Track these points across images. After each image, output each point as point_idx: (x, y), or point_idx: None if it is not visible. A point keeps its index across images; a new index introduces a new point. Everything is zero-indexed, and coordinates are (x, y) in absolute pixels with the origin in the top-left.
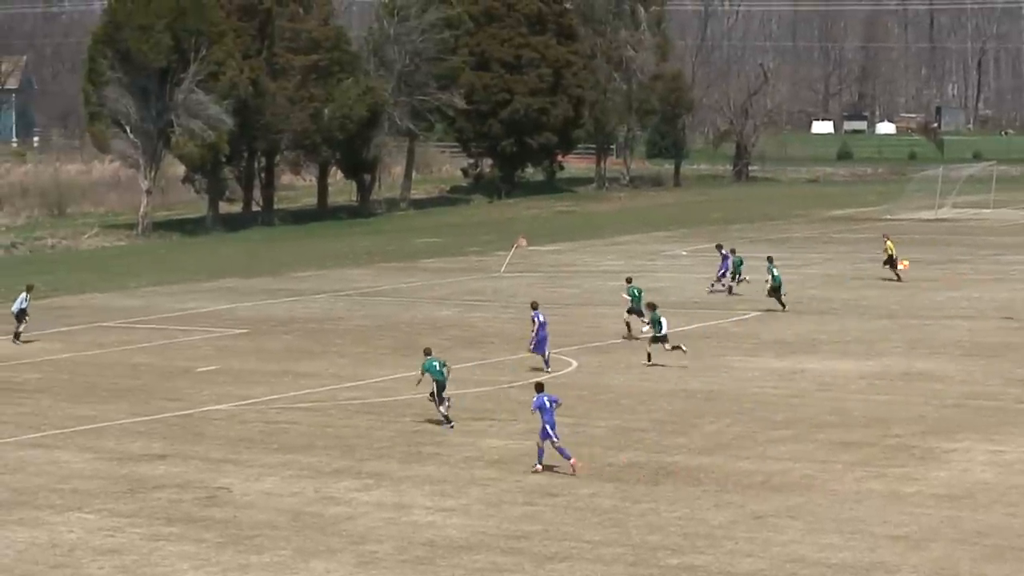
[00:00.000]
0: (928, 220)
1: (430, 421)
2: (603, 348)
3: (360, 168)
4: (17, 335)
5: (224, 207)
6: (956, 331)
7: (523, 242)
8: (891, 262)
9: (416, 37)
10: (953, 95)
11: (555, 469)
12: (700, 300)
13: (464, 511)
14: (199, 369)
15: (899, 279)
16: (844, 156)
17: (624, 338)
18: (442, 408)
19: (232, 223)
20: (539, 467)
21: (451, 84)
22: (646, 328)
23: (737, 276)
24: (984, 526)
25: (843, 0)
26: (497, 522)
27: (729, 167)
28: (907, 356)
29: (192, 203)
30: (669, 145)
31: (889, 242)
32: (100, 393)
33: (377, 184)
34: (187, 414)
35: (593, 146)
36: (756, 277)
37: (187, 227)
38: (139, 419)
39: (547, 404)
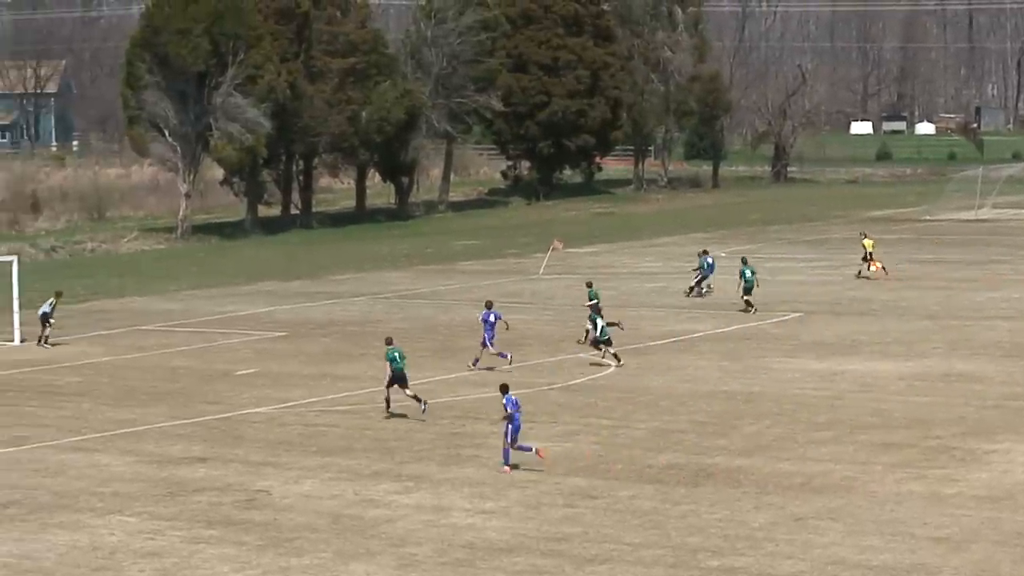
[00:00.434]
0: (968, 221)
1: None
2: (641, 350)
3: (398, 171)
4: (43, 339)
5: (262, 210)
6: (996, 332)
7: (559, 245)
8: (867, 260)
9: (453, 39)
10: (992, 95)
11: (596, 470)
12: (739, 302)
13: (504, 513)
14: (238, 372)
15: (862, 276)
16: (883, 157)
17: (579, 343)
18: (387, 391)
19: (270, 226)
20: (507, 468)
21: (488, 86)
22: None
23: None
24: None
25: (881, 0)
26: (537, 524)
27: (767, 168)
28: (947, 357)
29: (230, 206)
30: (707, 146)
31: (867, 240)
32: (140, 396)
33: (415, 187)
34: (226, 417)
35: (631, 148)
36: (792, 278)
37: (226, 230)
38: (179, 422)
39: (513, 408)
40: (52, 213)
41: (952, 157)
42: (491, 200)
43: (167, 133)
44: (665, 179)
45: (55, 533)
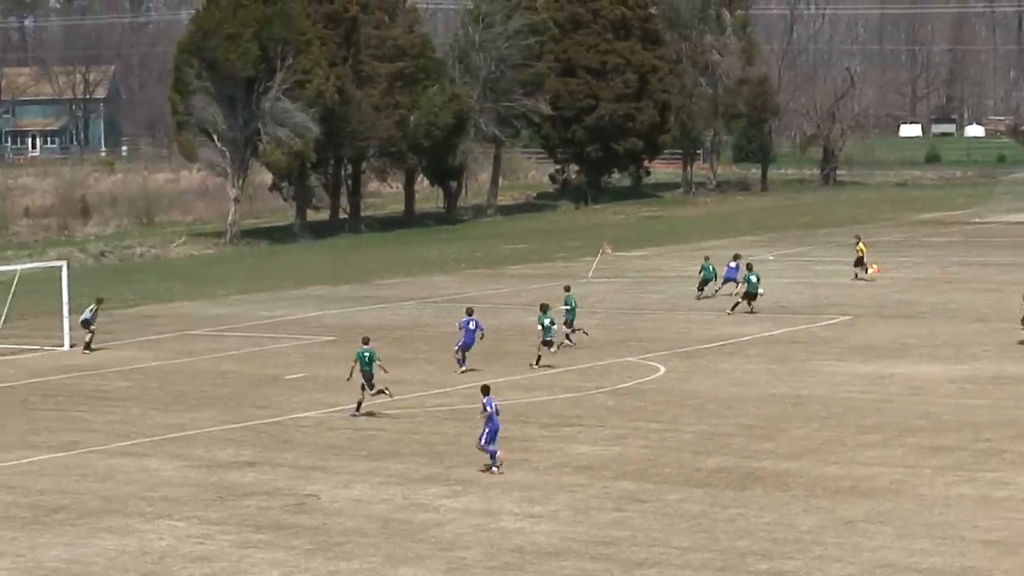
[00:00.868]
0: (1018, 223)
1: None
2: (690, 353)
3: (446, 175)
4: (86, 345)
5: (311, 214)
6: None
7: (608, 248)
8: (860, 263)
9: (501, 44)
10: None
11: (644, 474)
12: (787, 304)
13: (552, 517)
14: (287, 376)
15: (861, 279)
16: (932, 159)
17: (560, 346)
18: (369, 392)
19: (319, 230)
20: (495, 469)
21: (536, 90)
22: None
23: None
24: None
25: (930, 2)
26: (585, 528)
27: (816, 171)
28: (997, 360)
29: (279, 211)
30: (756, 149)
31: (861, 244)
32: (189, 401)
33: (463, 191)
34: (276, 421)
35: (679, 151)
36: (840, 281)
37: (275, 235)
38: (228, 427)
39: (492, 409)
40: (101, 218)
41: (1001, 159)
42: (539, 204)
43: (216, 138)
44: (714, 182)
45: (104, 538)
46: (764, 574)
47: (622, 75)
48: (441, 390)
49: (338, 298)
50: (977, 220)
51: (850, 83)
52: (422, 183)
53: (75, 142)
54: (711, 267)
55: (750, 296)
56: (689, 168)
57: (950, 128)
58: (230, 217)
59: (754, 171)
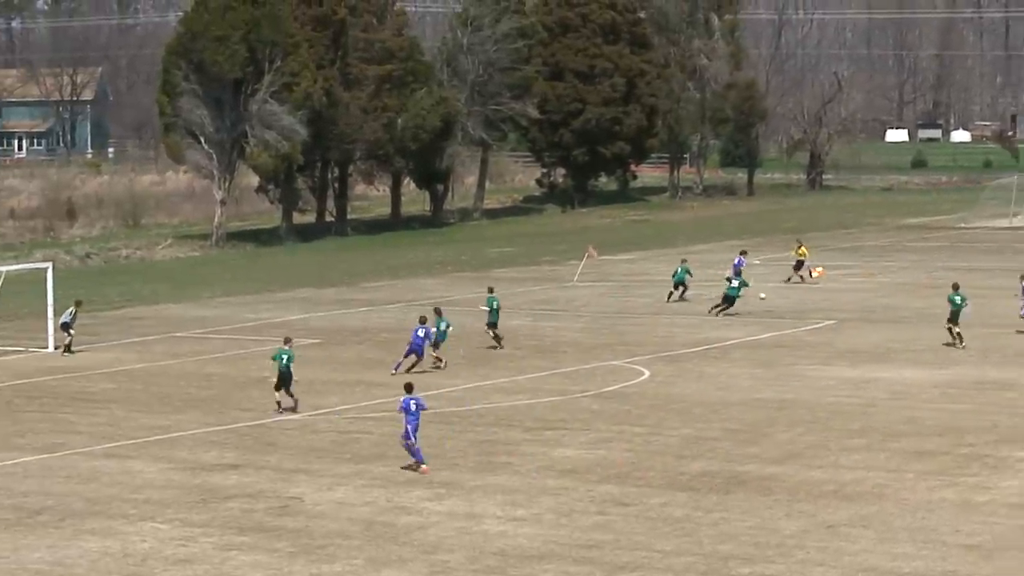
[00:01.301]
0: (1003, 228)
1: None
2: (675, 357)
3: (433, 178)
4: (65, 347)
5: (298, 217)
6: None
7: (593, 252)
8: (799, 266)
9: (489, 47)
10: None
11: (628, 478)
12: (773, 309)
13: (536, 520)
14: (272, 379)
15: (804, 282)
16: (918, 164)
17: (493, 348)
18: (278, 395)
19: (306, 233)
20: (425, 467)
21: (524, 94)
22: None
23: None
24: None
25: (918, 8)
26: (569, 531)
27: (803, 176)
28: (980, 365)
29: (266, 213)
30: (743, 154)
31: (803, 248)
32: (174, 403)
33: (450, 194)
34: (260, 424)
35: (666, 155)
36: (826, 286)
37: (261, 237)
38: (212, 429)
39: (412, 407)
40: (87, 220)
41: (987, 165)
42: (526, 207)
43: (203, 140)
44: (700, 186)
45: (87, 540)
46: None
47: (610, 79)
48: (425, 393)
49: (324, 301)
50: (963, 225)
51: (837, 88)
52: (409, 186)
53: (62, 144)
54: (680, 270)
55: (728, 299)
56: (676, 172)
57: (936, 133)
58: (216, 219)
59: (741, 175)
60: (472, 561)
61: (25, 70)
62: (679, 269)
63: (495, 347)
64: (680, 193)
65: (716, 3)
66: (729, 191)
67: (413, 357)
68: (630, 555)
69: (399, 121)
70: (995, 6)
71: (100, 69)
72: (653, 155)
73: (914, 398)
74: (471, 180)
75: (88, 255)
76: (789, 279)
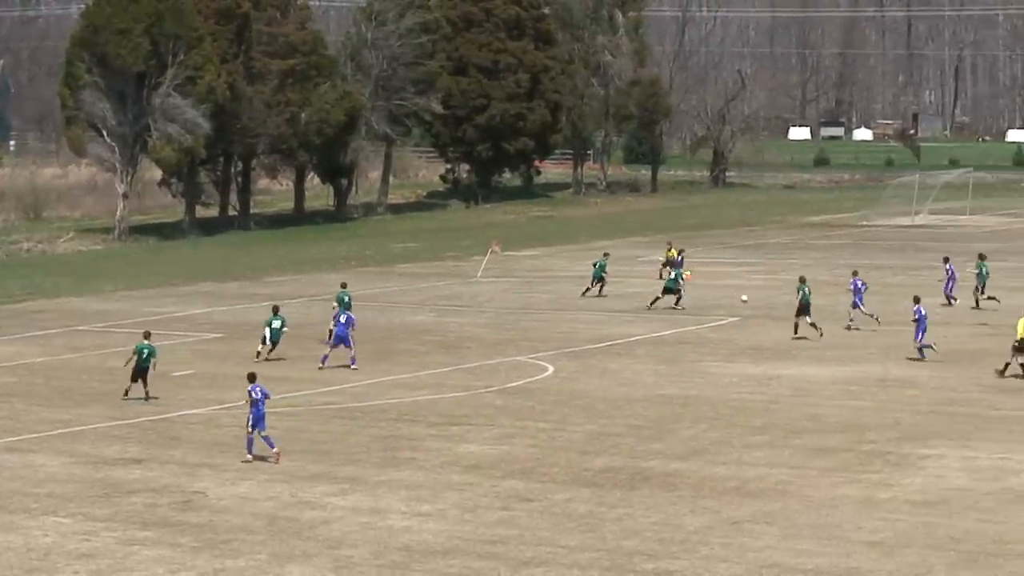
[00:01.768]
0: (905, 226)
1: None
2: (579, 353)
3: (337, 173)
4: None
5: (200, 211)
6: (931, 337)
7: (497, 247)
8: (668, 266)
9: (394, 42)
10: (930, 102)
11: (532, 473)
12: (676, 305)
13: (440, 516)
14: (175, 373)
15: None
16: (821, 162)
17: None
18: (132, 384)
19: (208, 227)
20: (250, 457)
21: (428, 89)
22: None
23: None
24: (958, 532)
25: (821, 6)
26: (473, 527)
27: (706, 173)
28: (882, 363)
29: (169, 207)
30: (646, 151)
31: (672, 250)
32: (76, 397)
33: (354, 189)
34: (163, 418)
35: (570, 151)
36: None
37: (164, 231)
38: (115, 423)
39: (258, 396)
40: None
41: (889, 163)
42: (430, 203)
43: (105, 133)
44: (604, 183)
45: None
46: (650, 574)
47: (514, 75)
48: (329, 388)
49: (227, 295)
50: (865, 223)
51: (741, 85)
52: (312, 181)
53: None
54: (598, 266)
55: (668, 290)
56: (580, 169)
57: (839, 131)
58: (119, 213)
59: (644, 172)
60: (377, 556)
61: None
62: (598, 264)
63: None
64: (584, 189)
65: (620, 0)
66: (633, 188)
67: (342, 346)
68: (534, 550)
69: (303, 115)
70: (897, 5)
71: (1, 61)
72: (557, 151)
73: (817, 395)
74: (375, 175)
75: None
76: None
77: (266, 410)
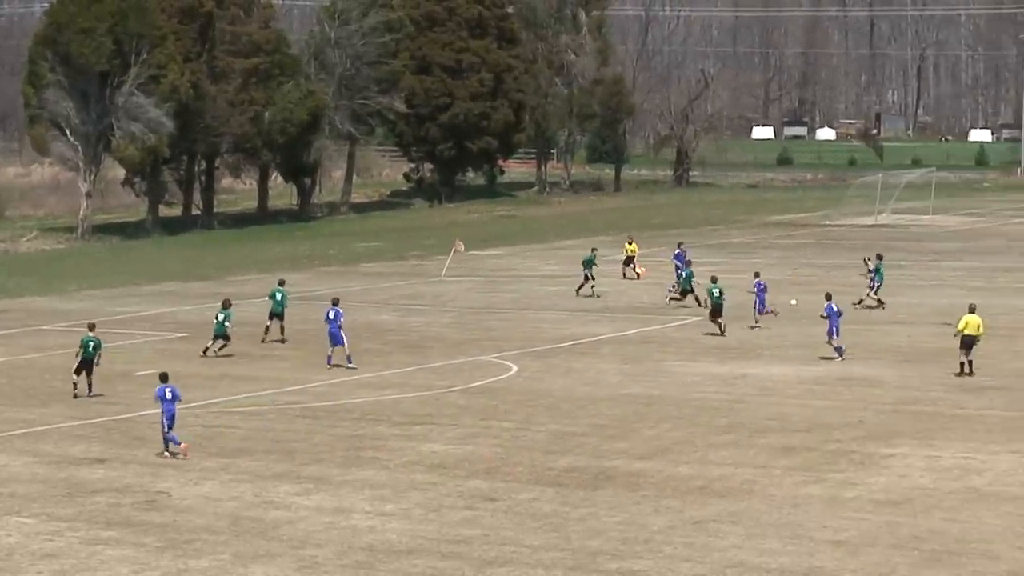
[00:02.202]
0: (868, 226)
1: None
2: (543, 353)
3: (300, 172)
4: None
5: (164, 210)
6: (894, 337)
7: (460, 246)
8: (630, 262)
9: (357, 41)
10: (893, 101)
11: (496, 473)
12: (640, 305)
13: (404, 515)
14: (138, 373)
15: (637, 277)
16: (784, 162)
17: (273, 340)
18: (77, 378)
19: (172, 226)
20: (167, 454)
21: (392, 88)
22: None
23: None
24: (922, 531)
25: (783, 6)
26: (437, 527)
27: (669, 172)
28: (846, 362)
29: (132, 206)
30: (609, 150)
31: (632, 244)
32: (39, 396)
33: (317, 188)
34: (126, 418)
35: (534, 151)
36: (693, 282)
37: (127, 230)
38: (78, 423)
39: (167, 395)
40: None
41: (852, 163)
42: (393, 202)
43: (68, 132)
44: (567, 182)
45: None
46: (614, 573)
47: (477, 74)
48: (293, 388)
49: (190, 294)
50: (828, 222)
51: (704, 85)
52: (276, 180)
53: None
54: (587, 259)
55: (685, 292)
56: (543, 168)
57: (802, 131)
58: (82, 212)
59: (608, 171)
60: (341, 556)
61: None
62: (587, 258)
63: (280, 340)
64: (547, 189)
65: None
66: (596, 187)
67: (338, 346)
68: (498, 550)
69: (266, 115)
70: (860, 5)
71: None
72: (520, 150)
73: (781, 394)
74: (338, 174)
75: None
76: (624, 275)
77: (177, 409)
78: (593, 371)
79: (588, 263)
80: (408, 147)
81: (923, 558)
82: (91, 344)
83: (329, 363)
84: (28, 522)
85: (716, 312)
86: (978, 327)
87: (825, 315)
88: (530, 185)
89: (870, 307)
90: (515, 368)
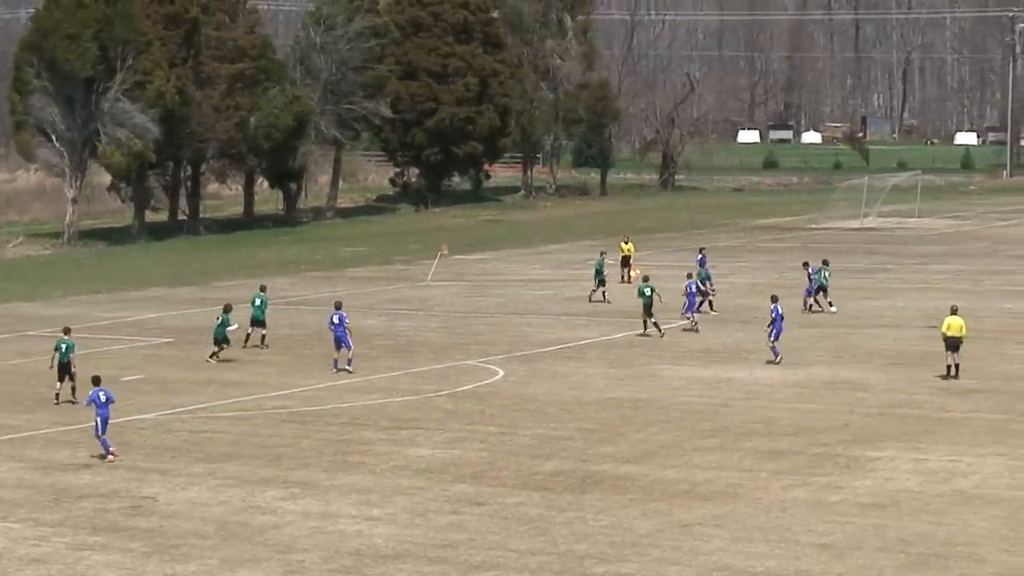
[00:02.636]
0: (854, 229)
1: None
2: (529, 357)
3: (286, 177)
4: None
5: (150, 216)
6: (881, 340)
7: (445, 250)
8: (627, 262)
9: (343, 46)
10: (878, 105)
11: (483, 477)
12: (627, 309)
13: (391, 520)
14: (124, 378)
15: (628, 280)
16: (770, 165)
17: (253, 346)
18: (60, 385)
19: (158, 232)
20: (111, 455)
21: (377, 93)
22: None
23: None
24: (908, 534)
25: (769, 10)
26: (423, 531)
27: (655, 176)
28: (832, 365)
29: (118, 212)
30: (595, 154)
31: (628, 244)
32: (25, 402)
33: (303, 193)
34: (112, 423)
35: (519, 155)
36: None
37: (113, 236)
38: (64, 428)
39: (101, 399)
40: None
41: (838, 166)
42: (379, 207)
43: (54, 138)
44: (553, 187)
45: None
46: None
47: (463, 79)
48: (280, 392)
49: (177, 300)
50: (813, 226)
51: (689, 89)
52: (262, 185)
53: None
54: (598, 262)
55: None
56: (529, 172)
57: (787, 134)
58: (68, 218)
59: (593, 175)
60: (327, 560)
61: None
62: (598, 262)
63: (258, 346)
64: (533, 193)
65: (569, 3)
66: (582, 191)
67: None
68: (485, 554)
69: (252, 120)
70: (845, 8)
71: None
72: (506, 155)
73: (767, 398)
74: (324, 179)
75: None
76: (623, 278)
77: (110, 412)
78: (579, 375)
79: (599, 270)
80: (394, 152)
81: (909, 561)
82: (64, 346)
83: (335, 367)
84: (15, 527)
85: (647, 311)
86: (960, 328)
87: (772, 318)
88: (516, 190)
89: (822, 311)
90: (501, 372)
